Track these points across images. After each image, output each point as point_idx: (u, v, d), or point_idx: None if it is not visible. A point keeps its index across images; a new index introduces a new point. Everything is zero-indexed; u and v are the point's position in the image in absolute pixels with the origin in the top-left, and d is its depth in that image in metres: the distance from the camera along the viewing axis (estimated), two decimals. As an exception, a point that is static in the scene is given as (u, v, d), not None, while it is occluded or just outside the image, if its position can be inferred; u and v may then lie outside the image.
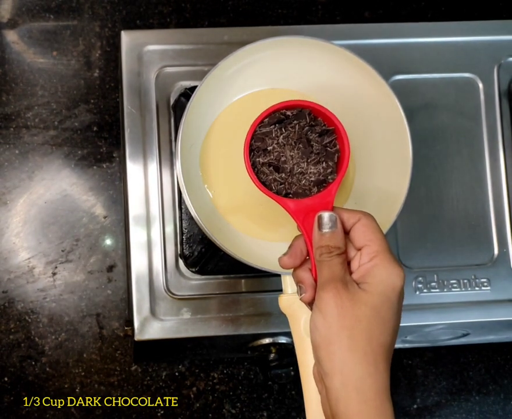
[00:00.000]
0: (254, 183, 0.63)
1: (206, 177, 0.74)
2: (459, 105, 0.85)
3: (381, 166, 0.73)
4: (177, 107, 0.80)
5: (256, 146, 0.64)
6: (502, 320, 0.82)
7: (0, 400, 0.91)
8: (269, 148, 0.63)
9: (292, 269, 0.63)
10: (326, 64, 0.72)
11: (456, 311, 0.81)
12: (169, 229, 0.79)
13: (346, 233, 0.58)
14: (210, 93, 0.72)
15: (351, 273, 0.57)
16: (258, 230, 0.74)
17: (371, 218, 0.58)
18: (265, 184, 0.63)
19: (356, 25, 0.86)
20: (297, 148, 0.63)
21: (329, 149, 0.63)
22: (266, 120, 0.64)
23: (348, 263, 0.58)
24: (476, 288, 0.81)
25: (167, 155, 0.80)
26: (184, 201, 0.77)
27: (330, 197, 0.61)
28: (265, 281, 0.80)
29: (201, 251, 0.78)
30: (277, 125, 0.64)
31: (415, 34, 0.86)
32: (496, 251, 0.82)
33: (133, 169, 0.80)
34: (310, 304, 0.58)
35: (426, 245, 0.81)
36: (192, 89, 0.73)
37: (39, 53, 0.97)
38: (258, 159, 0.63)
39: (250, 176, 0.63)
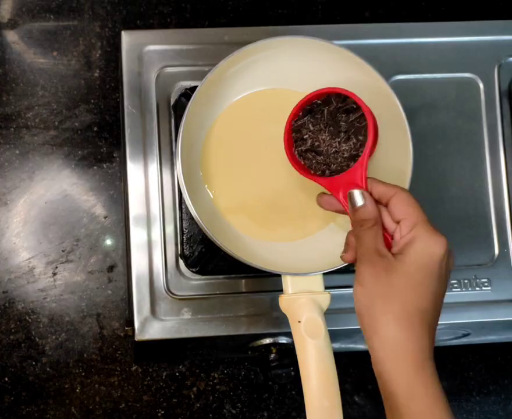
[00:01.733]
0: (297, 169, 0.68)
1: (206, 178, 0.74)
2: (460, 105, 0.85)
3: (382, 166, 0.73)
4: (178, 108, 0.80)
5: (296, 137, 0.68)
6: (503, 321, 0.82)
7: (1, 400, 0.91)
8: (305, 137, 0.68)
9: (291, 271, 0.64)
10: (327, 64, 0.72)
11: (457, 311, 0.81)
12: (169, 229, 0.79)
13: (384, 205, 0.61)
14: (211, 93, 0.72)
15: (390, 246, 0.60)
16: (258, 230, 0.74)
17: (407, 192, 0.61)
18: (310, 169, 0.68)
19: (356, 25, 0.86)
20: (327, 131, 0.67)
21: (357, 124, 0.66)
22: (300, 113, 0.68)
23: (392, 237, 0.61)
24: (477, 289, 0.81)
25: (168, 155, 0.80)
26: (184, 201, 0.77)
27: (361, 169, 0.64)
28: (265, 281, 0.80)
29: (201, 251, 0.78)
30: (308, 115, 0.68)
31: (416, 34, 0.86)
32: (496, 251, 0.82)
33: (133, 169, 0.80)
34: (350, 262, 0.63)
35: (426, 245, 0.81)
36: (193, 89, 0.73)
37: (40, 53, 0.97)
38: (300, 148, 0.68)
39: (292, 163, 0.68)
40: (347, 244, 0.64)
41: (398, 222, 0.60)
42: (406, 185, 0.70)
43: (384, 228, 0.62)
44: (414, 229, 0.59)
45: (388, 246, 0.61)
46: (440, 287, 0.59)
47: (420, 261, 0.58)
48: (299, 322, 0.65)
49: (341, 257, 0.64)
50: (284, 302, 0.67)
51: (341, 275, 0.80)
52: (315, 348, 0.64)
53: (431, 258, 0.58)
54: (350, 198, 0.62)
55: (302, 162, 0.68)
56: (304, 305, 0.66)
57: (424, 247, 0.58)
